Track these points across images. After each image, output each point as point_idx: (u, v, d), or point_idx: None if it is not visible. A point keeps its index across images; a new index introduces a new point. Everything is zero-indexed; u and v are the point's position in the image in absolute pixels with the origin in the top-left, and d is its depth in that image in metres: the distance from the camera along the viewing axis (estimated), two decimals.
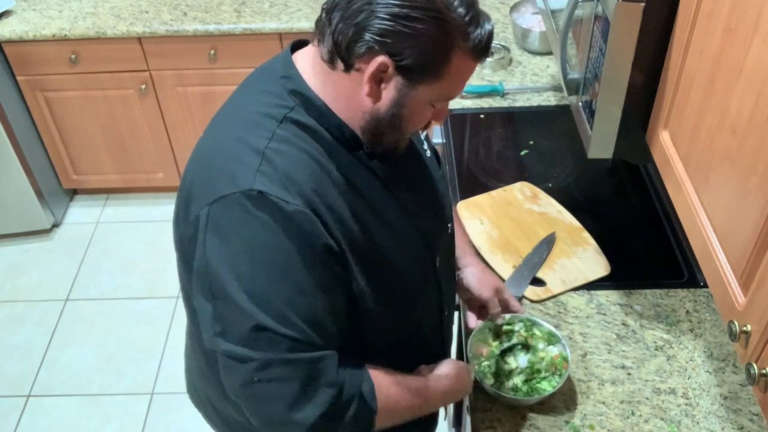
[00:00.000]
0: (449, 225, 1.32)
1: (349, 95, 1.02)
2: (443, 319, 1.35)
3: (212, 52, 2.75)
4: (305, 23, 2.67)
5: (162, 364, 2.68)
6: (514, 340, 1.45)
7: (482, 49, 1.00)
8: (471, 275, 1.43)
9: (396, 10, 0.93)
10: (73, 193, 3.37)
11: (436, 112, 1.08)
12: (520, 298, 1.60)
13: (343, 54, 0.98)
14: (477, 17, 0.98)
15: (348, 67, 0.99)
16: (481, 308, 1.47)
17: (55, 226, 3.21)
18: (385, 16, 0.93)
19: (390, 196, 1.13)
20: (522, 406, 1.40)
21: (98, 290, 2.95)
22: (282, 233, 0.98)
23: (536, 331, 1.45)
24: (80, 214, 3.29)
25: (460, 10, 0.96)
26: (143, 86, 2.85)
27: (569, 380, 1.44)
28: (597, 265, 1.67)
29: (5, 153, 2.82)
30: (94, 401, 2.56)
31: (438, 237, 1.26)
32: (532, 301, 1.60)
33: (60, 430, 2.48)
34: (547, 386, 1.39)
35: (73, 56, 2.76)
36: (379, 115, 1.03)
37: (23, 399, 2.58)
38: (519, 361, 1.44)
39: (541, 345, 1.44)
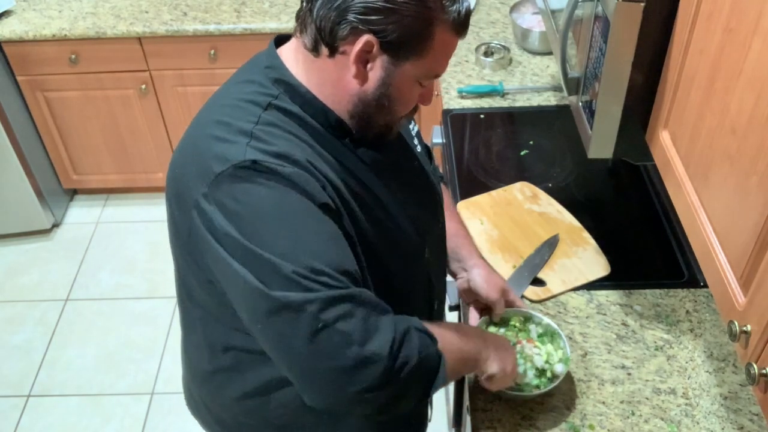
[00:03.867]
0: (440, 219, 1.31)
1: (334, 80, 1.03)
2: (432, 313, 1.34)
3: (212, 52, 2.75)
4: None
5: (162, 364, 2.68)
6: (510, 335, 1.45)
7: (462, 24, 1.02)
8: (479, 276, 1.43)
9: None
10: (73, 193, 3.37)
11: (423, 92, 1.08)
12: (520, 299, 1.60)
13: (327, 38, 0.99)
14: None
15: (332, 52, 1.00)
16: (483, 309, 1.47)
17: (55, 226, 3.21)
18: None
19: (381, 183, 1.13)
20: (521, 402, 1.40)
21: (98, 290, 2.95)
22: (285, 191, 0.97)
23: (532, 326, 1.45)
24: (80, 214, 3.29)
25: None
26: (143, 86, 2.85)
27: (570, 380, 1.44)
28: (597, 265, 1.67)
29: (5, 153, 2.82)
30: (94, 401, 2.56)
31: (428, 228, 1.25)
32: (532, 301, 1.60)
33: (60, 430, 2.48)
34: (541, 382, 1.38)
35: (73, 56, 2.76)
36: (366, 96, 1.03)
37: (23, 399, 2.58)
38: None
39: (537, 340, 1.44)
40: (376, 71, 1.01)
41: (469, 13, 1.02)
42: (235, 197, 0.97)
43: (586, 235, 1.75)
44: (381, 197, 1.12)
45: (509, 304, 1.45)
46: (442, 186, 1.43)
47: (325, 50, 1.01)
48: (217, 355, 1.21)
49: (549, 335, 1.44)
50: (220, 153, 1.00)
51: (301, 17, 1.03)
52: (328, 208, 1.01)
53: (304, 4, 1.01)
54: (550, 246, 1.71)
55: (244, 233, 0.96)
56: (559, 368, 1.38)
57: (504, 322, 1.46)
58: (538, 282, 1.64)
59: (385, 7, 0.95)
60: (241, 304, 1.02)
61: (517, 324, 1.46)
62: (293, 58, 1.07)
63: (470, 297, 1.46)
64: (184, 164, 1.07)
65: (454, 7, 0.99)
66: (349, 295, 0.97)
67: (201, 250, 1.03)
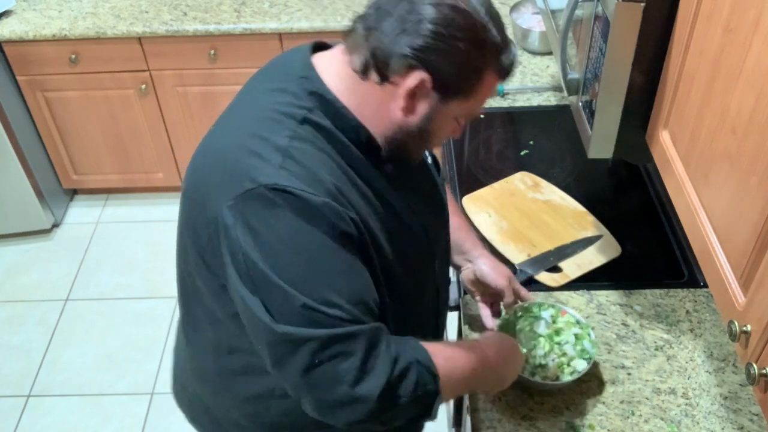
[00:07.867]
0: (447, 228, 1.33)
1: (378, 106, 1.04)
2: (438, 321, 1.37)
3: (212, 52, 2.75)
4: (305, 23, 2.67)
5: (162, 364, 2.68)
6: (542, 329, 1.47)
7: (509, 71, 1.05)
8: (485, 265, 1.44)
9: (438, 28, 0.96)
10: (73, 193, 3.37)
11: (455, 127, 1.11)
12: (530, 280, 1.62)
13: (380, 67, 1.00)
14: (507, 41, 1.03)
15: (383, 80, 1.01)
16: (491, 304, 1.49)
17: (55, 226, 3.21)
18: (426, 33, 0.96)
19: (400, 197, 1.14)
20: (521, 402, 1.40)
21: (98, 290, 2.95)
22: (310, 221, 0.97)
23: (562, 321, 1.47)
24: (80, 214, 3.29)
25: (495, 32, 1.00)
26: (143, 86, 2.85)
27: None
28: (609, 247, 1.69)
29: (5, 153, 2.82)
30: (94, 401, 2.56)
31: (438, 240, 1.27)
32: (550, 288, 1.62)
33: (60, 430, 2.48)
34: (564, 373, 1.39)
35: (73, 56, 2.76)
36: (409, 127, 1.05)
37: (23, 399, 2.58)
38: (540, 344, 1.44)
39: (564, 332, 1.46)
40: (422, 106, 1.03)
41: (515, 61, 1.05)
42: (261, 217, 0.97)
43: (592, 218, 1.77)
44: (400, 212, 1.13)
45: (515, 291, 1.46)
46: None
47: (375, 76, 1.01)
48: (223, 355, 1.21)
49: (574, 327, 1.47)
50: (252, 169, 0.99)
51: (352, 37, 1.03)
52: (351, 238, 1.02)
53: (359, 26, 1.02)
54: (588, 242, 1.71)
55: (263, 254, 0.97)
56: (581, 364, 1.41)
57: (529, 312, 1.49)
58: (553, 269, 1.65)
59: (444, 50, 0.97)
60: (246, 323, 1.05)
61: (550, 319, 1.48)
62: (335, 73, 1.05)
63: (477, 288, 1.48)
64: (212, 171, 1.06)
65: (507, 57, 1.03)
66: (353, 333, 0.99)
67: (218, 259, 1.04)
